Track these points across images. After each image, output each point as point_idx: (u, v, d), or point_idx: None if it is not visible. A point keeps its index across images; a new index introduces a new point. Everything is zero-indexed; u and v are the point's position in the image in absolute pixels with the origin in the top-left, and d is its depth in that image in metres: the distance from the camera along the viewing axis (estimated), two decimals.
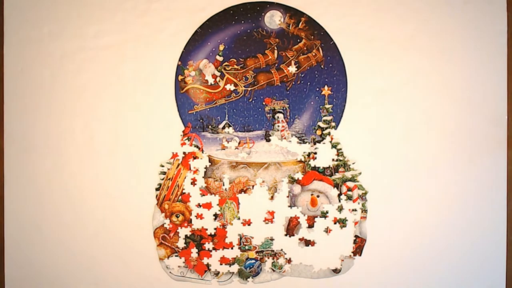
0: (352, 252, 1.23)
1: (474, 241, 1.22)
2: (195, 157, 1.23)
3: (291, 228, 1.23)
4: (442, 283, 1.23)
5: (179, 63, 1.22)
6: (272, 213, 1.22)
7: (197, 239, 1.24)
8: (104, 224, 1.24)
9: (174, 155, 1.23)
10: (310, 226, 1.22)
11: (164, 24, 1.21)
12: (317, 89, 1.22)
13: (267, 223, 1.22)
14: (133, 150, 1.23)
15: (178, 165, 1.23)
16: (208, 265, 1.24)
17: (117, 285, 1.25)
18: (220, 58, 1.22)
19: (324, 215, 1.22)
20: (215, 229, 1.23)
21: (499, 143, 1.20)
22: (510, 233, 1.21)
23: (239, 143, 1.23)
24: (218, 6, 1.21)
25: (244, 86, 1.23)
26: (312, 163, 1.22)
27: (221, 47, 1.22)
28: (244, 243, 1.23)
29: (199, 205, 1.22)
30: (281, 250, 1.23)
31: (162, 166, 1.23)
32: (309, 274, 1.23)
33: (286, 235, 1.23)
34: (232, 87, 1.21)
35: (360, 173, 1.22)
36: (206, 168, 1.23)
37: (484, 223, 1.21)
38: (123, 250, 1.25)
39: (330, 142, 1.22)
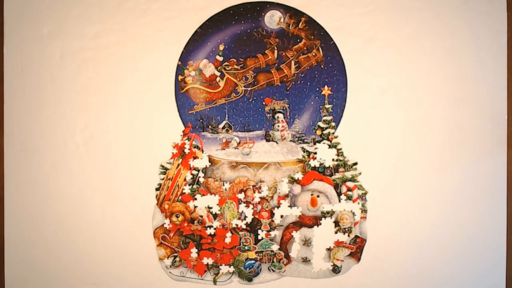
0: (352, 252, 1.23)
1: (474, 241, 1.22)
2: (195, 157, 1.23)
3: (285, 242, 1.23)
4: (442, 283, 1.23)
5: (179, 63, 1.22)
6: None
7: (196, 239, 1.24)
8: (104, 224, 1.24)
9: (174, 155, 1.23)
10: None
11: (164, 24, 1.21)
12: (317, 89, 1.22)
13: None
14: (133, 150, 1.23)
15: (178, 165, 1.23)
16: (208, 265, 1.24)
17: (117, 285, 1.25)
18: (220, 58, 1.22)
19: (324, 215, 1.22)
20: (214, 229, 1.23)
21: (499, 143, 1.20)
22: (510, 233, 1.21)
23: (239, 143, 1.23)
24: (218, 6, 1.21)
25: (244, 86, 1.23)
26: (312, 163, 1.22)
27: (221, 47, 1.22)
28: (244, 243, 1.23)
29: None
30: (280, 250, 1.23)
31: (162, 166, 1.23)
32: (309, 274, 1.23)
33: (279, 249, 1.23)
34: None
35: (360, 173, 1.22)
36: (206, 168, 1.23)
37: (484, 223, 1.21)
38: (123, 250, 1.25)
39: (330, 142, 1.22)
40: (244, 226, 1.23)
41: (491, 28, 1.19)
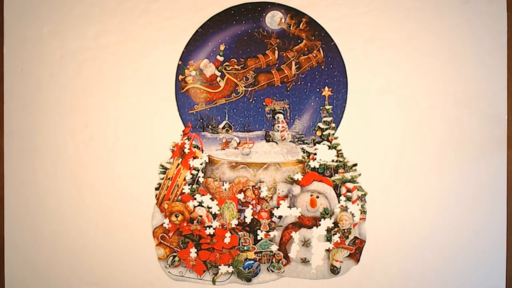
0: (351, 253, 1.23)
1: (474, 241, 1.22)
2: (195, 157, 1.23)
3: (284, 242, 1.23)
4: (442, 284, 1.23)
5: (180, 62, 1.22)
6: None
7: (196, 239, 1.24)
8: (104, 224, 1.24)
9: (174, 155, 1.23)
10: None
11: (164, 24, 1.21)
12: (318, 90, 1.22)
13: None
14: (133, 149, 1.23)
15: (178, 164, 1.23)
16: (207, 265, 1.24)
17: (117, 285, 1.26)
18: (221, 58, 1.22)
19: (323, 215, 1.22)
20: (214, 229, 1.23)
21: (499, 143, 1.20)
22: (510, 233, 1.21)
23: (239, 143, 1.23)
24: (219, 6, 1.21)
25: (245, 86, 1.23)
26: (312, 164, 1.22)
27: (222, 47, 1.22)
28: (243, 244, 1.23)
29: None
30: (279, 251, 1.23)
31: (162, 165, 1.23)
32: (308, 275, 1.23)
33: (278, 249, 1.23)
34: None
35: (359, 174, 1.22)
36: (205, 167, 1.23)
37: (484, 223, 1.21)
38: (123, 250, 1.25)
39: (330, 143, 1.22)
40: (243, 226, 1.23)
41: (491, 28, 1.19)
